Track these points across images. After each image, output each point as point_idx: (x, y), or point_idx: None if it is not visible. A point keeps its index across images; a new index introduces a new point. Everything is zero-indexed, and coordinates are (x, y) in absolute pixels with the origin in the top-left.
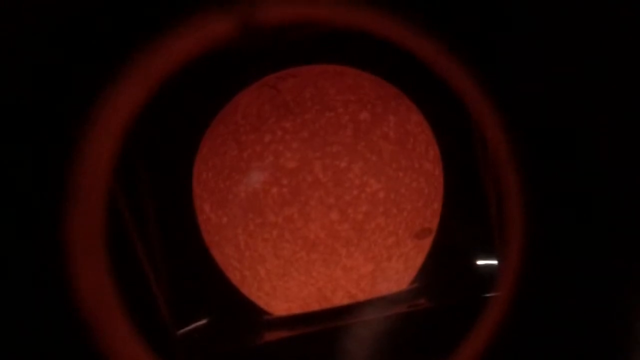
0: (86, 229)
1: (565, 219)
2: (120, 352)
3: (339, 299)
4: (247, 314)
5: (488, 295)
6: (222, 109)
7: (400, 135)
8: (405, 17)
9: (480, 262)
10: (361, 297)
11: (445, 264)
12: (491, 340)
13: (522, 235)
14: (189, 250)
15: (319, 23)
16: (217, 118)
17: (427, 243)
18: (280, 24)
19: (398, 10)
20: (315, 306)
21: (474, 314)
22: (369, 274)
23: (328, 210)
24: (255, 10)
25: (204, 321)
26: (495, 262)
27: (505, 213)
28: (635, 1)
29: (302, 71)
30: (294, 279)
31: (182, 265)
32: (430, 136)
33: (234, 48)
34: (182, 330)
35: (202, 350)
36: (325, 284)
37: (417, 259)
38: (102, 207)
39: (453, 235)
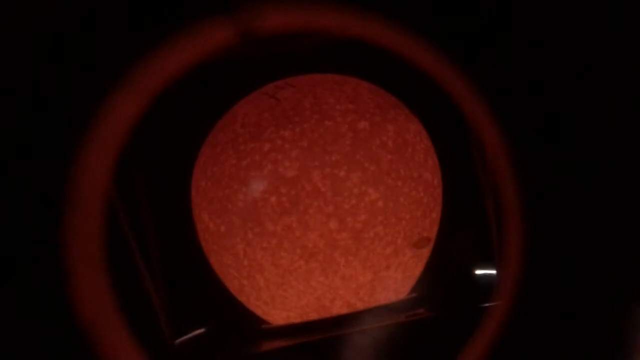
0: (85, 238)
1: (564, 228)
2: None
3: (338, 308)
4: (246, 323)
5: (487, 304)
6: (221, 118)
7: (399, 145)
8: (404, 27)
9: (479, 272)
10: (360, 306)
11: (444, 274)
12: (490, 349)
13: (521, 245)
14: (188, 259)
15: (318, 33)
16: (216, 127)
17: (425, 252)
18: (279, 33)
19: (397, 20)
20: (313, 315)
21: (473, 323)
22: (367, 283)
23: (327, 219)
24: (254, 20)
25: (202, 330)
26: (493, 271)
27: (504, 222)
28: (634, 3)
29: (301, 80)
30: (293, 288)
31: (180, 273)
32: (428, 145)
33: (233, 57)
34: (180, 339)
35: (200, 359)
36: (324, 293)
37: (416, 268)
38: (100, 215)
39: (452, 245)
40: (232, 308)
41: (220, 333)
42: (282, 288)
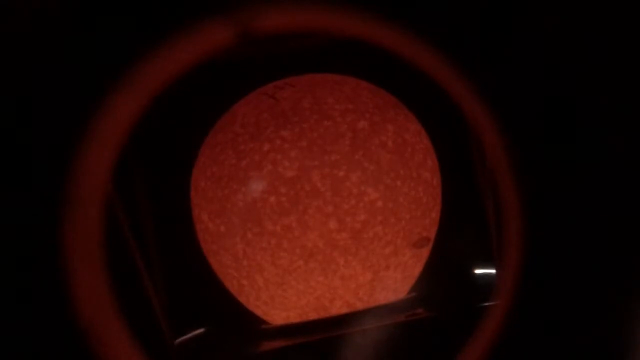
0: (85, 238)
1: (563, 227)
2: None
3: (337, 308)
4: (245, 323)
5: (486, 304)
6: (221, 118)
7: (399, 145)
8: (404, 27)
9: (478, 271)
10: (359, 306)
11: (444, 273)
12: (489, 349)
13: (520, 244)
14: (187, 259)
15: (318, 32)
16: (216, 127)
17: (425, 252)
18: (279, 33)
19: (397, 20)
20: (313, 315)
21: (472, 323)
22: (367, 283)
23: (326, 219)
24: (254, 20)
25: (201, 330)
26: (493, 271)
27: (503, 222)
28: (633, 4)
29: (300, 80)
30: (292, 288)
31: (179, 273)
32: (428, 145)
33: (232, 57)
34: (179, 339)
35: (199, 359)
36: (324, 293)
37: (415, 268)
38: (100, 215)
39: (451, 245)
40: (232, 308)
41: (220, 333)
42: (281, 288)
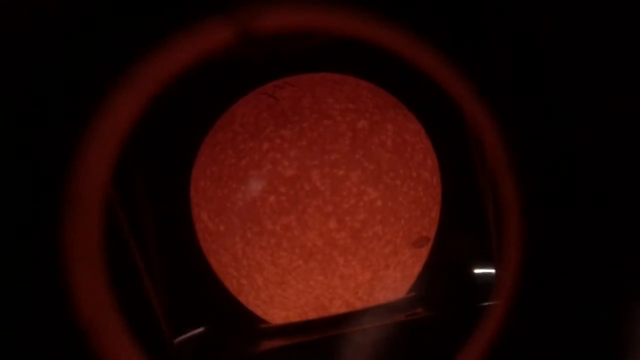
0: (85, 238)
1: (563, 227)
2: None
3: (337, 308)
4: (245, 322)
5: (486, 304)
6: (220, 117)
7: (398, 144)
8: (404, 27)
9: (478, 271)
10: (359, 305)
11: (443, 273)
12: (489, 349)
13: (520, 244)
14: (187, 259)
15: (318, 32)
16: (215, 126)
17: (424, 252)
18: (279, 33)
19: (397, 20)
20: (312, 315)
21: (472, 322)
22: (366, 282)
23: (326, 219)
24: (254, 20)
25: (201, 329)
26: (492, 270)
27: (503, 221)
28: (632, 4)
29: (300, 80)
30: (292, 288)
31: (179, 273)
32: (428, 145)
33: (232, 56)
34: (179, 339)
35: (199, 358)
36: (323, 292)
37: (415, 268)
38: (99, 215)
39: (451, 244)
40: (231, 307)
41: (220, 333)
42: (281, 287)
